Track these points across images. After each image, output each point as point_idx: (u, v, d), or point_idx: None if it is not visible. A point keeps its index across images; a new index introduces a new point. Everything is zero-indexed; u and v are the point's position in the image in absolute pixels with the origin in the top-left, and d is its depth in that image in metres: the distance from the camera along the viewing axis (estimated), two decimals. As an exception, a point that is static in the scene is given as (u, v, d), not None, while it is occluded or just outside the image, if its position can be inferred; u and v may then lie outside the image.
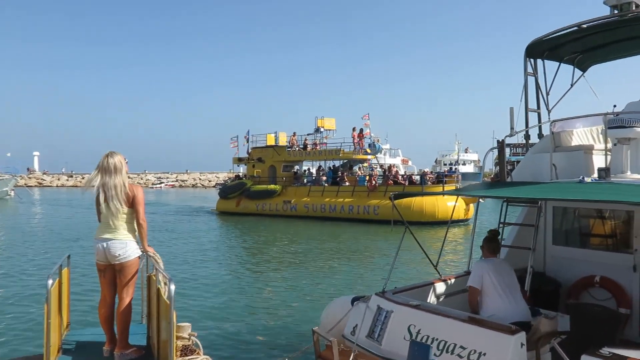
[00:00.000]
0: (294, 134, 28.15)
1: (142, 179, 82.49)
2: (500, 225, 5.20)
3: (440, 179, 21.71)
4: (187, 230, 18.06)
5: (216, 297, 8.25)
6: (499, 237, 4.58)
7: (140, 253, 3.98)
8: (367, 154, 25.07)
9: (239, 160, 28.45)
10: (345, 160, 25.62)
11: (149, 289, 4.16)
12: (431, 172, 26.53)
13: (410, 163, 50.89)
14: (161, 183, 78.93)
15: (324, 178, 24.39)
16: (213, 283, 9.28)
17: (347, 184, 23.54)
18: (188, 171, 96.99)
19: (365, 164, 27.29)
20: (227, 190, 26.93)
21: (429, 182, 21.18)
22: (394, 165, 25.34)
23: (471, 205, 19.96)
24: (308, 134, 27.84)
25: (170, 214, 25.82)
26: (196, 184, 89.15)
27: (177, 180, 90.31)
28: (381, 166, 25.68)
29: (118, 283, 3.87)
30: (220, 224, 21.21)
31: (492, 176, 10.89)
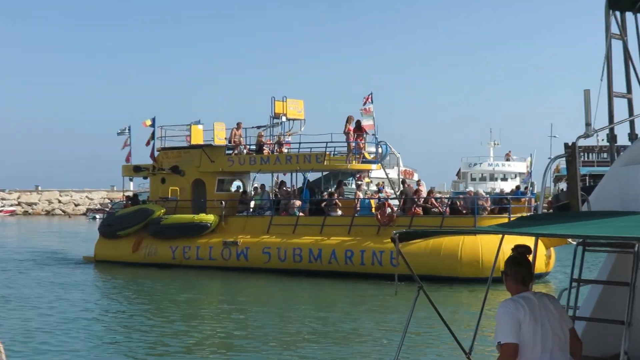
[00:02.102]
0: (238, 126, 27.40)
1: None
2: (574, 283, 5.41)
3: (503, 204, 21.85)
4: (27, 306, 16.87)
5: None
6: (531, 255, 4.58)
7: None
8: (368, 161, 25.31)
9: (136, 170, 28.89)
10: (327, 172, 26.10)
11: None
12: (454, 191, 25.77)
13: (416, 177, 50.03)
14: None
15: (297, 203, 24.03)
16: None
17: (340, 213, 23.42)
18: (39, 188, 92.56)
19: (367, 179, 26.72)
20: (115, 224, 27.08)
21: (485, 212, 21.27)
22: (419, 182, 24.52)
23: (550, 250, 20.89)
24: (260, 127, 27.84)
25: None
26: (53, 209, 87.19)
27: (19, 204, 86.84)
28: (389, 181, 25.92)
29: None
30: (99, 289, 20.80)
31: (550, 199, 11.27)
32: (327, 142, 24.64)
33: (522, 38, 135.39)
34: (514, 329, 4.17)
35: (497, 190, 41.88)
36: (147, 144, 28.02)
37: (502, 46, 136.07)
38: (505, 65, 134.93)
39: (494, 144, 57.15)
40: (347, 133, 24.46)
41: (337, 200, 23.43)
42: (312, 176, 25.96)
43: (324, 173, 25.99)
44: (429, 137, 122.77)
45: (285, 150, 26.08)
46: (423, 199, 22.19)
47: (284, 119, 27.00)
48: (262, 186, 26.61)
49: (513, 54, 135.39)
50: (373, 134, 25.45)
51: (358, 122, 24.76)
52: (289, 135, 27.62)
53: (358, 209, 22.98)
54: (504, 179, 52.95)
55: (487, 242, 19.73)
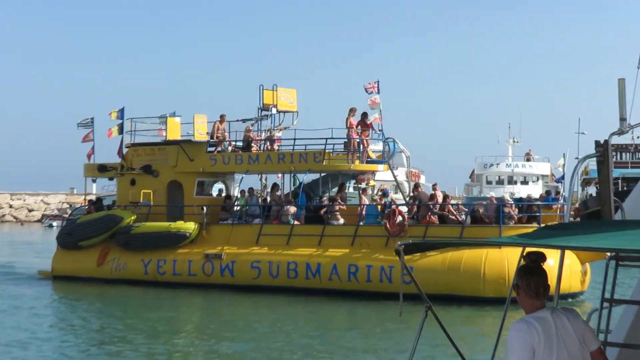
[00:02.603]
0: (222, 119, 27.34)
1: None
2: (606, 303, 5.54)
3: (532, 211, 21.97)
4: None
5: None
6: (545, 263, 4.54)
7: None
8: (373, 162, 25.38)
9: (101, 169, 28.80)
10: (324, 174, 26.09)
11: None
12: (467, 196, 26.07)
13: (423, 179, 49.65)
14: None
15: (291, 210, 24.05)
16: None
17: (342, 221, 23.47)
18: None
19: (372, 181, 27.01)
20: (76, 233, 26.91)
21: (512, 221, 21.39)
22: (435, 186, 24.43)
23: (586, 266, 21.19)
24: (246, 120, 27.84)
25: None
26: (3, 215, 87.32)
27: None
28: (396, 184, 26.54)
29: None
30: (56, 311, 20.47)
31: (577, 206, 11.45)
32: (326, 139, 24.54)
33: (545, 20, 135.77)
34: (527, 356, 4.15)
35: (517, 195, 41.97)
36: (110, 135, 27.94)
37: (521, 29, 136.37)
38: (524, 51, 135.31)
39: (513, 142, 57.05)
40: (349, 128, 24.36)
41: (340, 207, 23.39)
42: (306, 178, 25.98)
43: (322, 174, 25.96)
44: (436, 133, 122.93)
45: (277, 148, 25.98)
46: (439, 206, 22.09)
47: (274, 111, 27.03)
48: (250, 190, 26.43)
49: (533, 38, 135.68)
50: (380, 130, 25.38)
51: (364, 115, 24.71)
52: (280, 130, 27.60)
53: (363, 216, 22.88)
54: (525, 182, 52.99)
55: (515, 256, 19.32)
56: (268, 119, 27.14)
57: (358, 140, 24.30)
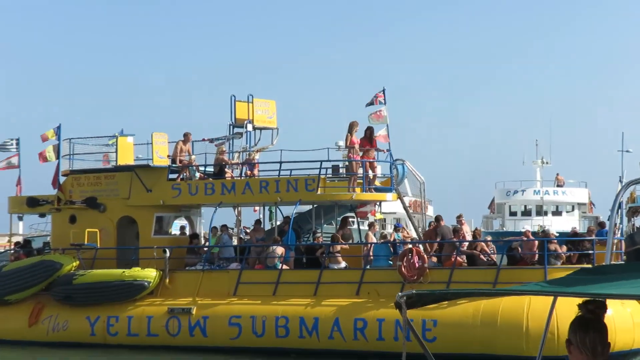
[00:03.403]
0: (186, 138, 27.73)
1: None
2: None
3: (582, 248, 22.35)
4: None
5: None
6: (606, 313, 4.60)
7: None
8: (379, 189, 25.85)
9: (32, 203, 28.76)
10: (316, 205, 26.54)
11: None
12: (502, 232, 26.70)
13: (430, 211, 50.42)
14: None
15: (279, 251, 24.29)
16: None
17: (344, 264, 23.88)
18: None
19: (379, 214, 26.48)
20: (2, 284, 26.72)
21: (559, 261, 21.88)
22: (461, 218, 24.81)
23: None
24: (214, 139, 28.18)
25: None
26: None
27: None
28: (409, 218, 26.74)
29: None
30: None
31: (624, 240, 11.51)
32: (321, 161, 24.94)
33: (578, 16, 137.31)
34: None
35: (546, 228, 42.46)
36: (43, 160, 28.01)
37: (553, 25, 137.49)
38: (554, 49, 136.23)
39: (542, 163, 57.88)
40: (349, 147, 24.77)
41: (342, 246, 23.74)
42: (289, 210, 26.39)
43: (314, 206, 26.34)
44: (444, 152, 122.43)
45: (257, 174, 26.33)
46: (467, 243, 22.49)
47: (249, 127, 27.32)
48: (224, 227, 26.61)
49: (565, 34, 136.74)
50: (387, 150, 25.80)
51: (369, 131, 24.98)
52: (257, 152, 27.98)
53: (371, 258, 23.18)
54: (557, 212, 53.75)
55: (568, 306, 19.45)
56: (242, 138, 27.46)
57: (361, 164, 24.58)
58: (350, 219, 27.70)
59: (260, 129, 27.91)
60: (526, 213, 53.80)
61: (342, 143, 57.80)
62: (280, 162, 25.79)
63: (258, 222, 26.88)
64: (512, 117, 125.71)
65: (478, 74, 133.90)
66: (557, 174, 58.43)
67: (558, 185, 55.96)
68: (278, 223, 42.00)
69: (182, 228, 29.44)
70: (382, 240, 23.91)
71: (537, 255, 22.49)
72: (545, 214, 52.43)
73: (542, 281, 5.19)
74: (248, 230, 28.41)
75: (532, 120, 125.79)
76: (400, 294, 4.70)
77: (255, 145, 27.97)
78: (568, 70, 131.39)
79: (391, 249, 23.31)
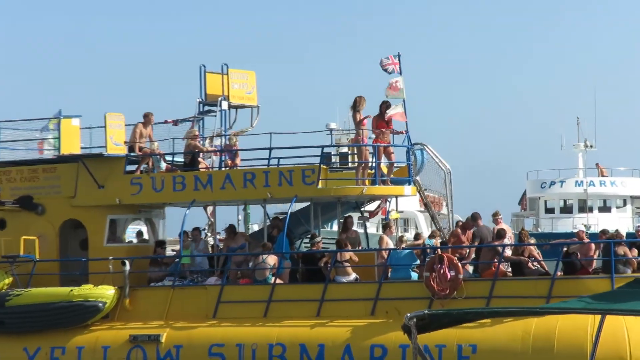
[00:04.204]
0: (147, 119, 27.72)
1: None
2: None
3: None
4: None
5: None
6: None
7: None
8: (396, 181, 26.13)
9: None
10: (308, 202, 26.96)
11: None
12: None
13: (444, 207, 50.63)
14: None
15: (270, 261, 24.58)
16: None
17: (354, 276, 24.25)
18: None
19: (395, 213, 27.36)
20: None
21: (629, 268, 22.30)
22: (497, 216, 25.06)
23: None
24: (180, 120, 28.51)
25: None
26: None
27: None
28: (432, 217, 27.47)
29: None
30: None
31: None
32: (322, 147, 25.23)
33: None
34: None
35: (592, 229, 42.66)
36: None
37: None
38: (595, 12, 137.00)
39: (585, 147, 58.22)
40: (358, 127, 24.96)
41: (351, 255, 23.83)
42: (275, 210, 26.51)
43: (310, 202, 26.52)
44: (463, 134, 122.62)
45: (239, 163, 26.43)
46: (512, 248, 22.86)
47: (224, 105, 27.56)
48: (196, 231, 26.82)
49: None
50: (406, 132, 25.98)
51: (384, 106, 25.02)
52: (234, 135, 27.95)
53: (388, 268, 23.55)
54: (605, 208, 54.02)
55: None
56: (217, 118, 27.63)
57: (371, 149, 24.80)
58: (351, 219, 27.63)
59: (237, 107, 28.13)
60: (566, 210, 54.27)
61: (334, 125, 58.62)
62: (271, 149, 25.77)
63: (231, 228, 26.93)
64: (549, 90, 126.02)
65: (498, 46, 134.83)
66: (597, 164, 59.09)
67: (601, 173, 56.34)
68: (254, 226, 42.51)
69: (140, 234, 29.35)
70: (404, 246, 24.08)
71: (593, 262, 22.92)
72: (590, 210, 52.87)
73: (587, 296, 5.18)
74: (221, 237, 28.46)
75: (573, 95, 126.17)
76: (408, 315, 4.91)
77: (231, 128, 28.19)
78: (616, 32, 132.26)
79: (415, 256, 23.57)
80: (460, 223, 25.74)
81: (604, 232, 24.70)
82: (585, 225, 46.86)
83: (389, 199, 27.35)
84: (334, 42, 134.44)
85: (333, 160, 28.78)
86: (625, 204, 53.99)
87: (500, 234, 23.19)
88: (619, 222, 51.22)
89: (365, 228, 29.98)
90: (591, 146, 58.40)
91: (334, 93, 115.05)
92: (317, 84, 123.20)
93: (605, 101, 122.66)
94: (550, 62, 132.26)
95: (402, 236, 25.47)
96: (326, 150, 27.09)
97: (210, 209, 28.70)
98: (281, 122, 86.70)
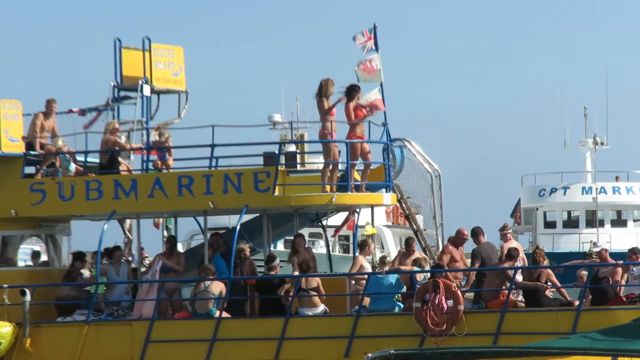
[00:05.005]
0: (49, 108, 27.92)
1: None
2: None
3: None
4: None
5: None
6: None
7: None
8: (372, 186, 26.56)
9: None
10: (257, 214, 27.88)
11: None
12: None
13: (420, 221, 51.10)
14: None
15: (215, 289, 24.93)
16: None
17: (321, 308, 24.73)
18: None
19: (369, 227, 27.47)
20: None
21: None
22: (506, 231, 25.55)
23: None
24: (89, 110, 28.95)
25: None
26: None
27: None
28: (416, 230, 27.30)
29: None
30: None
31: None
32: (280, 143, 26.44)
33: None
34: None
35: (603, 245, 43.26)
36: None
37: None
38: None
39: (595, 144, 58.84)
40: (325, 118, 25.12)
41: (318, 281, 24.12)
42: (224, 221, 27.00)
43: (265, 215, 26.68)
44: (445, 130, 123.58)
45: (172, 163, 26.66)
46: (526, 272, 22.99)
47: (146, 90, 27.72)
48: (117, 252, 26.97)
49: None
50: (384, 124, 26.28)
51: (353, 91, 25.19)
52: (157, 130, 28.03)
53: (365, 298, 23.60)
54: (620, 221, 54.60)
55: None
56: (137, 106, 27.79)
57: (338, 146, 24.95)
58: (301, 239, 27.51)
59: (161, 92, 28.39)
60: (570, 223, 54.69)
61: (278, 117, 58.63)
62: (213, 146, 25.65)
63: (171, 241, 26.89)
64: (551, 75, 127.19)
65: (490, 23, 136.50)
66: (617, 177, 59.61)
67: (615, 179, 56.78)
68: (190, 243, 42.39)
69: (36, 255, 29.19)
70: (387, 269, 24.03)
71: (621, 289, 23.22)
72: (602, 224, 53.31)
73: (595, 331, 5.23)
74: (148, 257, 28.36)
75: (579, 81, 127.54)
76: (369, 355, 4.84)
77: (152, 119, 28.33)
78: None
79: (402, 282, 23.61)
80: (451, 238, 25.82)
81: (633, 251, 24.89)
82: (594, 243, 47.32)
83: (358, 210, 27.45)
84: (277, 16, 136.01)
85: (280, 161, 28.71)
86: (642, 214, 54.65)
87: (512, 255, 23.24)
88: (637, 238, 51.75)
89: (329, 248, 30.07)
90: (602, 143, 59.01)
91: (276, 78, 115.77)
92: (257, 67, 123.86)
93: (619, 86, 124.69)
94: (553, 43, 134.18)
95: (384, 256, 25.59)
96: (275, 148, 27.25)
97: (128, 222, 28.91)
98: (212, 112, 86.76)
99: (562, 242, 53.74)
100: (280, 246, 41.11)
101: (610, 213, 54.47)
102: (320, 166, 26.48)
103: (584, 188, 54.76)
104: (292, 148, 37.66)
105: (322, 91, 25.13)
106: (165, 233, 29.78)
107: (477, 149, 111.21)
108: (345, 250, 58.32)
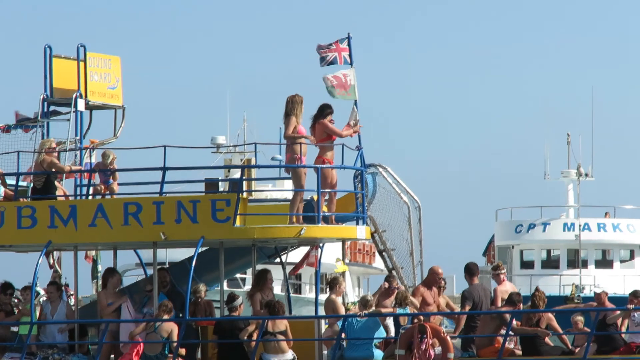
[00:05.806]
0: None
1: None
2: None
3: None
4: None
5: None
6: None
7: None
8: (342, 218, 27.15)
9: None
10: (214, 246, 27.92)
11: None
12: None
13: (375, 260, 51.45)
14: None
15: (168, 329, 25.13)
16: None
17: (290, 356, 25.04)
18: None
19: (341, 264, 27.96)
20: None
21: None
22: (499, 270, 26.05)
23: None
24: (14, 127, 29.92)
25: None
26: None
27: None
28: (391, 269, 28.31)
29: None
30: None
31: None
32: (243, 167, 26.45)
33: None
34: None
35: (596, 289, 43.36)
36: None
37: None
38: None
39: (579, 175, 59.32)
40: (293, 141, 25.36)
41: (286, 324, 24.30)
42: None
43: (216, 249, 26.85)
44: (412, 157, 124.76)
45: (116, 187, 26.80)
46: (523, 315, 23.24)
47: (80, 106, 28.22)
48: (54, 287, 27.16)
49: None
50: (358, 148, 26.47)
51: (324, 111, 25.58)
52: (92, 148, 28.93)
53: (342, 342, 23.76)
54: (605, 262, 55.09)
55: None
56: (70, 122, 28.26)
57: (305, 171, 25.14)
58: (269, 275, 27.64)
59: (95, 108, 28.85)
60: (550, 264, 55.03)
61: (223, 140, 59.02)
62: (164, 169, 25.58)
63: (110, 273, 26.96)
64: (531, 97, 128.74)
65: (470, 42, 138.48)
66: (607, 213, 60.16)
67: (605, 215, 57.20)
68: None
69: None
70: (368, 312, 24.13)
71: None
72: (585, 265, 53.70)
73: None
74: (71, 292, 28.98)
75: (562, 102, 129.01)
76: None
77: (84, 138, 28.85)
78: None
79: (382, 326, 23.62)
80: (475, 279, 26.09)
81: (635, 294, 25.15)
82: (576, 287, 47.84)
83: (322, 245, 27.52)
84: (224, 23, 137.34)
85: (221, 188, 28.87)
86: (632, 256, 54.91)
87: (513, 300, 23.34)
88: (624, 281, 52.22)
89: (288, 287, 30.11)
90: (586, 175, 59.59)
91: (221, 94, 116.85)
92: (199, 81, 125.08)
93: (606, 112, 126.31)
94: (534, 58, 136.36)
95: (365, 297, 25.71)
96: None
97: (56, 254, 29.12)
98: (149, 131, 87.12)
99: (540, 284, 53.93)
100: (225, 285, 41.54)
101: (594, 253, 54.83)
102: (270, 195, 26.87)
103: (565, 224, 55.25)
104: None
105: (290, 107, 25.45)
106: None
107: (447, 179, 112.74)
108: (296, 290, 58.57)
